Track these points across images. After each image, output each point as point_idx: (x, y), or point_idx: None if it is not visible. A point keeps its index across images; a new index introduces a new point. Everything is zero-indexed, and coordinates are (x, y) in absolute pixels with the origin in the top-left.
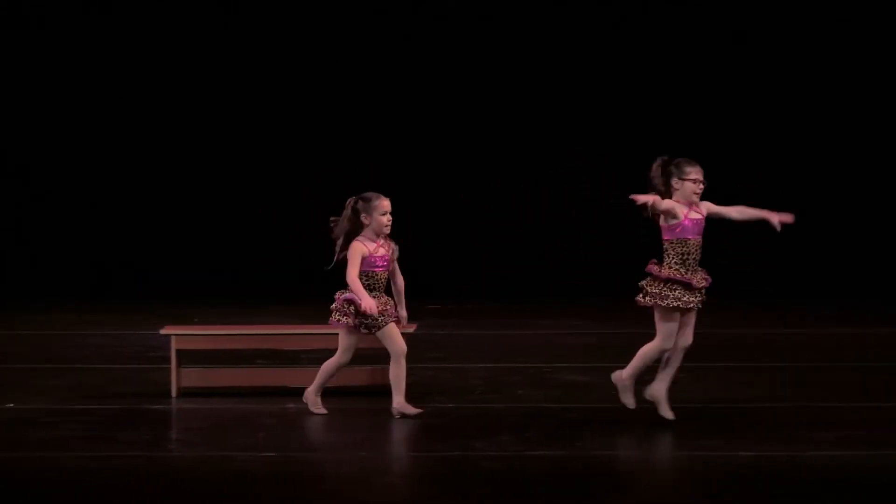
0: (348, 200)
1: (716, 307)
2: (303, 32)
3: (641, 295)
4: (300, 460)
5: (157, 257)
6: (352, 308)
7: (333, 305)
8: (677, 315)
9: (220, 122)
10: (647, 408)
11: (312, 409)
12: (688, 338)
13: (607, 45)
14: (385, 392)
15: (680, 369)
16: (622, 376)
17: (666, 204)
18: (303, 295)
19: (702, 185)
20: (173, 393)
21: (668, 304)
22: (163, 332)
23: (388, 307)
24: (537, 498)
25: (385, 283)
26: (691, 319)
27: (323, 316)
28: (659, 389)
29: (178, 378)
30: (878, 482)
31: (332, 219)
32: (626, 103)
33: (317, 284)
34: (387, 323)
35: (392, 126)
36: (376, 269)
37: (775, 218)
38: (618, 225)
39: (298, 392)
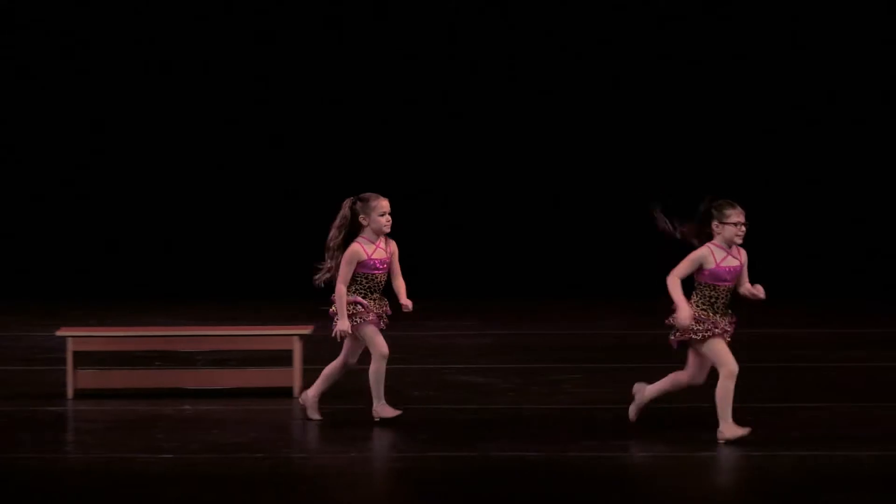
0: (345, 201)
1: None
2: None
3: (672, 334)
4: (199, 461)
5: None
6: (360, 307)
7: (333, 310)
8: (720, 341)
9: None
10: (540, 408)
11: (386, 414)
12: (702, 377)
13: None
14: (270, 394)
15: (656, 400)
16: (721, 430)
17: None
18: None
19: (743, 228)
20: (69, 394)
21: (699, 336)
22: (59, 333)
23: (385, 310)
24: (431, 499)
25: (384, 285)
26: (709, 362)
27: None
28: (646, 390)
29: (74, 379)
30: (782, 482)
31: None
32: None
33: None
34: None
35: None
36: (375, 272)
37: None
38: (538, 225)
39: (194, 393)
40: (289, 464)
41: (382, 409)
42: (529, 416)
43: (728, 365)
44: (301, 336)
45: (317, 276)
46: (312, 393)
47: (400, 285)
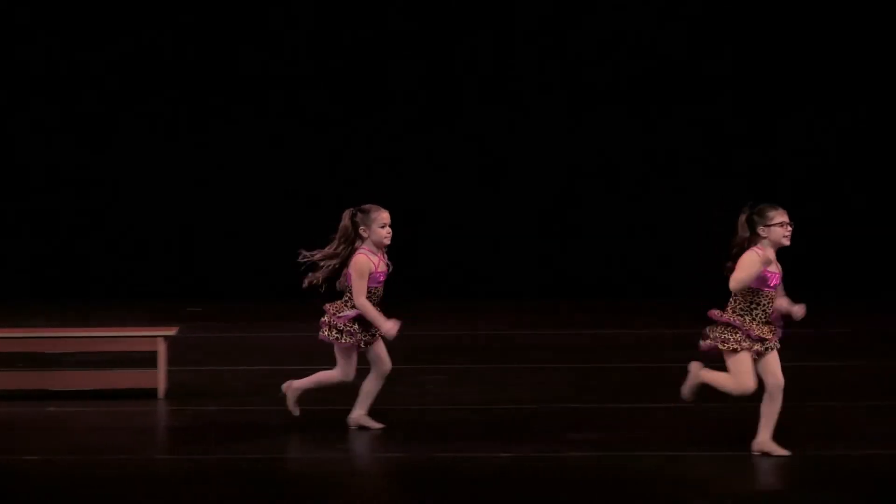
0: (345, 212)
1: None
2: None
3: (702, 339)
4: (63, 463)
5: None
6: (356, 326)
7: (325, 319)
8: (747, 357)
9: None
10: (405, 409)
11: (290, 405)
12: (777, 377)
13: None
14: (134, 395)
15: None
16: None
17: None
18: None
19: (790, 228)
20: None
21: (728, 346)
22: None
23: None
24: (294, 500)
25: (382, 297)
26: (773, 360)
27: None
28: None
29: None
30: (626, 483)
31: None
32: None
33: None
34: (376, 338)
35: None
36: (377, 286)
37: (796, 310)
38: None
39: (59, 395)
40: (153, 465)
41: (294, 405)
42: (394, 417)
43: (741, 385)
44: (166, 337)
45: (310, 277)
46: (357, 413)
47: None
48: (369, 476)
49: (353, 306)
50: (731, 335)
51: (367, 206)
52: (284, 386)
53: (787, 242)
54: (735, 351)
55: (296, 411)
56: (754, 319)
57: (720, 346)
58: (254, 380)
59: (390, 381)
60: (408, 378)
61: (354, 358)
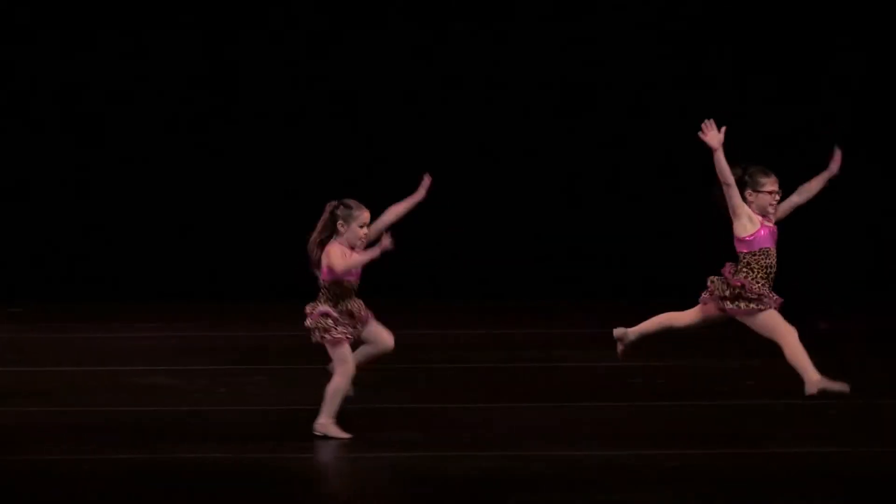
0: (328, 205)
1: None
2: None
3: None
4: None
5: None
6: (329, 321)
7: (308, 323)
8: (771, 312)
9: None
10: (224, 410)
11: (335, 435)
12: (694, 322)
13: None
14: None
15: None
16: (809, 383)
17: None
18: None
19: (777, 197)
20: None
21: (752, 307)
22: None
23: (362, 311)
24: (114, 500)
25: (356, 291)
26: (716, 320)
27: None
28: (630, 332)
29: None
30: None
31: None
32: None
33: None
34: (365, 323)
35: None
36: (349, 278)
37: (835, 168)
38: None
39: None
40: None
41: (331, 427)
42: (214, 418)
43: (787, 334)
44: None
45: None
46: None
47: (395, 210)
48: (187, 475)
49: (327, 300)
50: (751, 298)
51: (350, 202)
52: (318, 428)
53: (772, 211)
54: (758, 312)
55: (343, 434)
56: (770, 286)
57: (756, 307)
58: (72, 381)
59: (210, 381)
60: (228, 378)
61: (348, 351)
